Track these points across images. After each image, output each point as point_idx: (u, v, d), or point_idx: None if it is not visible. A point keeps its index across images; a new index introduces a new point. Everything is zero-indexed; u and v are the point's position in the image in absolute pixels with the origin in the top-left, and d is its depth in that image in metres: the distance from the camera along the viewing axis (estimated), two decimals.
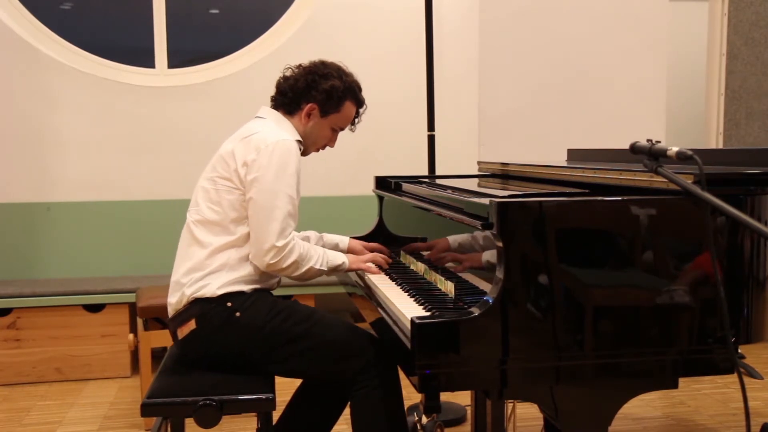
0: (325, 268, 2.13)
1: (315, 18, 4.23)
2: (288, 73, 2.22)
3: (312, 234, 2.44)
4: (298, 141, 2.17)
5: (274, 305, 2.05)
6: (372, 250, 2.41)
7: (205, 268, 2.02)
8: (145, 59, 4.24)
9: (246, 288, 2.03)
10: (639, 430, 2.95)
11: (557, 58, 4.55)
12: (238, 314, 1.99)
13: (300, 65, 2.23)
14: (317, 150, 2.28)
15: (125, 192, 4.07)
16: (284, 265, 2.01)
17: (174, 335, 2.09)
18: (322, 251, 2.14)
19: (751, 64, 4.54)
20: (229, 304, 2.00)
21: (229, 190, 2.04)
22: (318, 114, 2.18)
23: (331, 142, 2.27)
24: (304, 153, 2.23)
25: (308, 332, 2.01)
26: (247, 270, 2.04)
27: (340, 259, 2.17)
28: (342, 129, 2.27)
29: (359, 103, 2.27)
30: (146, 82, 4.15)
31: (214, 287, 2.00)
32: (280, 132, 2.09)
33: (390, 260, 2.29)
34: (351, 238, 2.48)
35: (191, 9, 4.56)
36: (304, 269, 2.06)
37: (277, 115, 2.20)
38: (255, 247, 2.02)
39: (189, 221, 2.11)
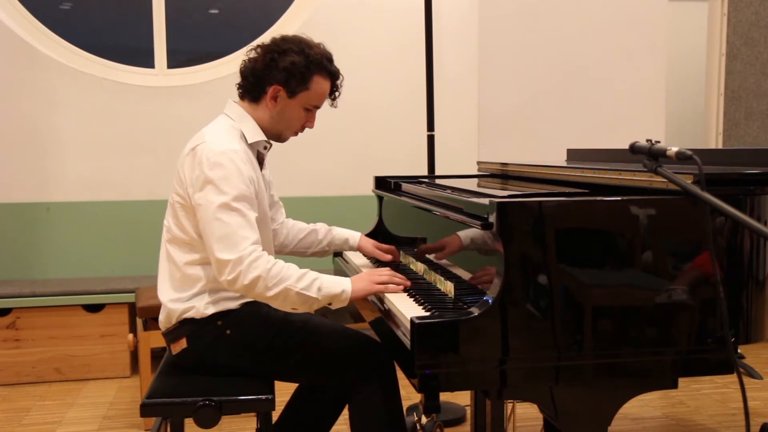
0: (314, 295, 1.83)
1: (315, 18, 4.23)
2: (251, 55, 2.02)
3: (320, 227, 2.38)
4: (262, 141, 2.04)
5: (267, 319, 1.99)
6: (383, 251, 2.34)
7: (186, 290, 1.95)
8: (145, 59, 4.24)
9: (234, 304, 1.97)
10: (639, 430, 2.95)
11: (557, 58, 4.55)
12: (228, 332, 1.95)
13: (261, 44, 2.02)
14: (295, 134, 2.08)
15: (125, 192, 4.08)
16: (246, 281, 1.79)
17: (168, 347, 2.07)
18: (316, 275, 1.85)
19: (751, 65, 4.55)
20: (219, 322, 1.95)
21: (183, 207, 1.94)
22: (285, 95, 1.98)
23: (308, 123, 2.06)
24: (279, 139, 2.07)
25: (303, 344, 1.98)
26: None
27: (338, 286, 1.86)
28: (317, 107, 2.04)
29: (332, 75, 2.02)
30: (146, 82, 4.15)
31: (200, 309, 1.94)
32: (228, 139, 1.93)
33: (409, 283, 1.94)
34: (363, 235, 2.38)
35: (191, 9, 4.56)
36: (276, 290, 1.80)
37: (240, 111, 2.03)
38: (214, 269, 1.86)
39: (164, 238, 2.03)
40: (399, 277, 1.94)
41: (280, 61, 1.96)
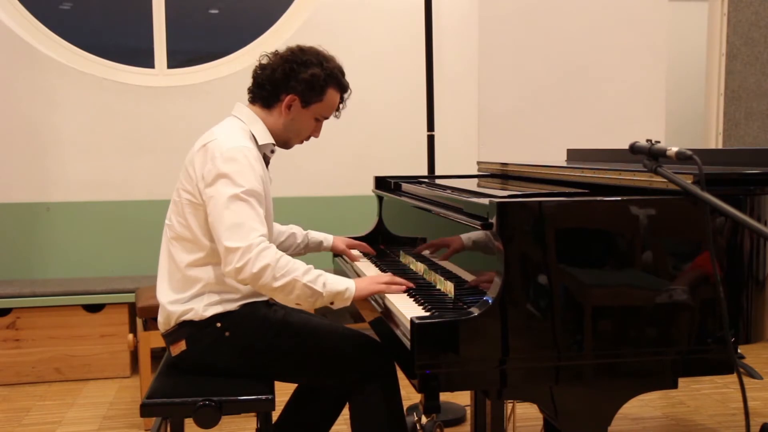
0: (320, 289, 1.84)
1: (315, 18, 4.23)
2: (264, 61, 2.07)
3: (297, 230, 2.42)
4: (270, 144, 2.07)
5: (265, 320, 1.98)
6: (354, 248, 2.44)
7: (186, 291, 1.96)
8: (145, 59, 4.24)
9: (233, 306, 1.96)
10: (639, 430, 2.95)
11: (557, 58, 4.55)
12: (227, 334, 1.94)
13: (276, 52, 2.07)
14: (301, 142, 2.14)
15: (125, 192, 4.08)
16: (254, 270, 1.78)
17: (168, 348, 2.07)
18: (321, 271, 1.87)
19: (751, 65, 4.55)
20: (218, 324, 1.94)
21: (191, 204, 1.94)
22: (299, 105, 2.04)
23: (315, 132, 2.13)
24: (286, 145, 2.13)
25: (303, 345, 1.98)
26: (229, 289, 1.95)
27: (343, 284, 1.87)
28: (326, 118, 2.12)
29: (343, 88, 2.10)
30: (146, 82, 4.15)
31: (200, 311, 1.94)
32: (240, 138, 1.96)
33: (412, 285, 1.95)
34: (335, 237, 2.49)
35: (191, 9, 4.56)
36: (284, 281, 1.80)
37: (250, 114, 2.06)
38: (222, 258, 1.85)
39: (166, 236, 2.03)
40: (400, 280, 1.94)
41: (301, 72, 2.01)
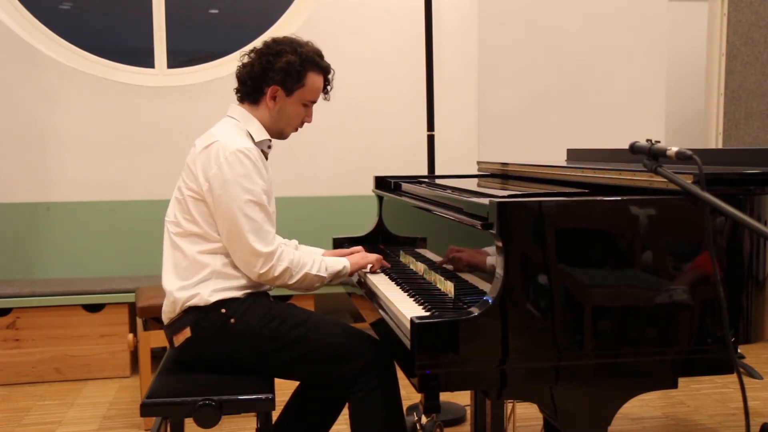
0: (325, 275, 2.07)
1: (315, 18, 4.23)
2: (245, 60, 2.11)
3: (292, 243, 2.42)
4: (266, 140, 2.11)
5: (269, 310, 2.02)
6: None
7: (193, 277, 1.99)
8: (145, 59, 4.24)
9: (239, 294, 2.01)
10: (639, 430, 2.95)
11: (557, 58, 4.55)
12: (232, 320, 1.97)
13: (254, 49, 2.11)
14: (295, 129, 2.18)
15: (125, 192, 4.08)
16: (276, 273, 1.97)
17: (170, 342, 2.08)
18: (320, 258, 2.10)
19: (751, 64, 4.55)
20: (223, 310, 1.97)
21: (195, 201, 2.00)
22: (283, 94, 2.08)
23: (307, 117, 2.16)
24: (281, 136, 2.16)
25: (304, 336, 1.99)
26: (236, 276, 2.00)
27: (340, 264, 2.12)
28: (314, 102, 2.15)
29: (324, 70, 2.13)
30: (145, 82, 4.15)
31: (205, 296, 1.97)
32: (239, 138, 2.02)
33: (387, 264, 2.26)
34: (324, 251, 2.40)
35: (191, 9, 4.56)
36: (299, 276, 2.02)
37: (243, 113, 2.11)
38: (241, 262, 1.98)
39: (170, 233, 2.07)
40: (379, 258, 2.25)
41: (276, 62, 2.05)
